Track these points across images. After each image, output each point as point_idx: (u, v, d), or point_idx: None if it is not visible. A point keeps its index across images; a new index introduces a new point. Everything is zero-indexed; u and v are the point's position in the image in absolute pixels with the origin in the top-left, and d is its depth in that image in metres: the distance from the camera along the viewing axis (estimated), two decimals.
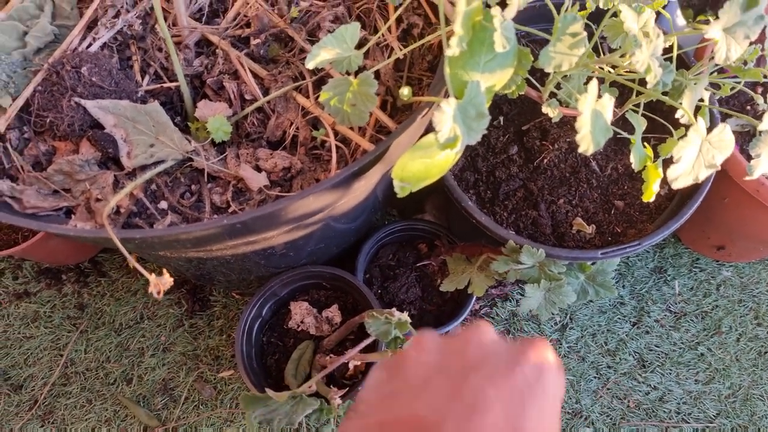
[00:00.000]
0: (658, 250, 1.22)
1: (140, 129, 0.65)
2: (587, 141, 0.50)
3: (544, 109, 0.64)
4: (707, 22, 0.51)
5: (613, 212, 0.87)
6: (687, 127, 0.57)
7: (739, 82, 0.66)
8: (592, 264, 0.82)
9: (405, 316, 0.73)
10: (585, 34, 0.52)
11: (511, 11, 0.46)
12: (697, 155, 0.53)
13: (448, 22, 0.50)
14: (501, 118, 0.95)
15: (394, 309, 0.73)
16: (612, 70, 0.63)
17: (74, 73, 0.62)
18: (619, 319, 1.15)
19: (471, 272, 0.89)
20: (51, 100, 0.63)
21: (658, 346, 1.13)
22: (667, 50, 0.66)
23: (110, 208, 0.59)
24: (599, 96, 0.52)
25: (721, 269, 1.20)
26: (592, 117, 0.50)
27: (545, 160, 0.91)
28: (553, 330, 1.14)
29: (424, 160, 0.53)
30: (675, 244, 1.23)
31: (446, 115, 0.45)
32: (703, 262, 1.20)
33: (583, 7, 0.65)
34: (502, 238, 0.81)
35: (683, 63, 0.89)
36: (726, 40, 0.51)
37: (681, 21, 1.16)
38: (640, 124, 0.67)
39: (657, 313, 1.16)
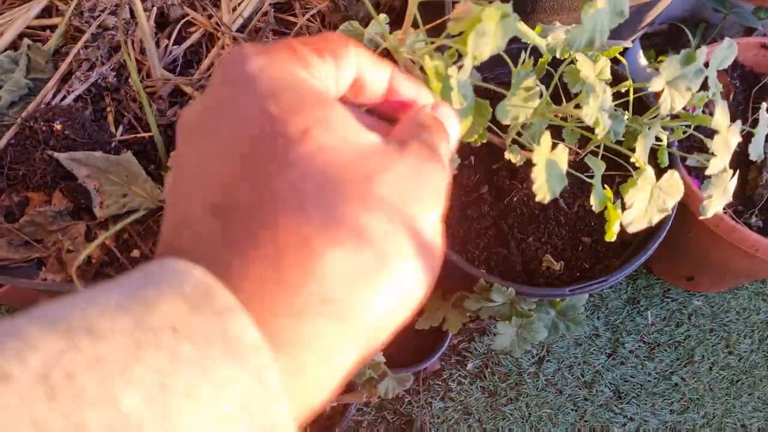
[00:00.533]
0: (630, 282, 1.25)
1: (113, 179, 0.66)
2: (543, 190, 0.52)
3: (507, 156, 0.67)
4: None
5: (580, 248, 0.90)
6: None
7: (690, 126, 0.69)
8: (562, 300, 0.84)
9: (379, 357, 0.74)
10: (538, 88, 0.55)
11: (465, 73, 0.49)
12: (648, 201, 0.55)
13: None
14: (472, 158, 0.98)
15: None
16: (571, 117, 0.66)
17: (47, 127, 0.63)
18: (595, 350, 1.17)
19: (446, 309, 0.91)
20: (24, 153, 0.64)
21: (633, 377, 1.15)
22: (626, 94, 0.69)
23: (81, 260, 0.60)
24: (554, 146, 0.54)
25: (692, 299, 1.23)
26: (547, 167, 0.52)
27: (515, 199, 0.93)
28: (531, 363, 1.15)
29: None
30: (647, 275, 1.25)
31: None
32: (675, 293, 1.23)
33: (542, 55, 0.68)
34: (474, 277, 0.82)
35: (643, 105, 0.93)
36: (669, 93, 0.54)
37: (643, 61, 1.21)
38: (599, 167, 0.70)
39: (631, 343, 1.18)
